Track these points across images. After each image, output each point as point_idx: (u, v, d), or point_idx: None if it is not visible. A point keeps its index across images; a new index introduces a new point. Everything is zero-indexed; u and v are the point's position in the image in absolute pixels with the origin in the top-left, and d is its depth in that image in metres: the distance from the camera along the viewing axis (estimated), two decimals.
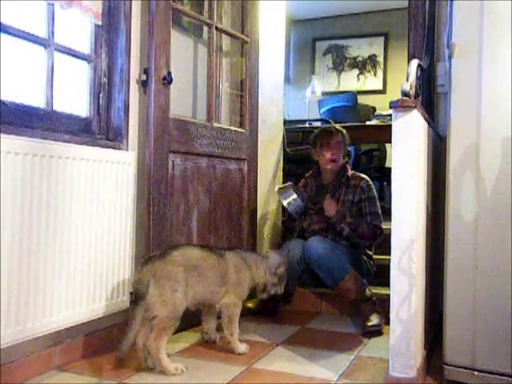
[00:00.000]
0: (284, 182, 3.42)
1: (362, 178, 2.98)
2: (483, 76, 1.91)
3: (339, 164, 3.00)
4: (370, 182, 2.99)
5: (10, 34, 2.00)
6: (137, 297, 2.07)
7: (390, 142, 1.90)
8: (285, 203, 2.92)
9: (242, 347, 2.33)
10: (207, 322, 2.45)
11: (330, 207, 2.87)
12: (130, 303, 2.35)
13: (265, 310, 2.97)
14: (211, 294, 2.27)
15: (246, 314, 2.83)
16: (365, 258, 2.91)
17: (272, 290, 2.49)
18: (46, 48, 2.16)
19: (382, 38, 6.96)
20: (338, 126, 3.29)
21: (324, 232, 2.93)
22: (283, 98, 4.04)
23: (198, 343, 2.47)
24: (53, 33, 2.17)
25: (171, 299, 2.07)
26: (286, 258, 2.60)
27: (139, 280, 2.08)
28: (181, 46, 2.86)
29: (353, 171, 3.05)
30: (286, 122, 4.33)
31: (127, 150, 2.43)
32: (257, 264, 2.44)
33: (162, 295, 2.06)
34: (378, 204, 2.94)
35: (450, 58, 1.99)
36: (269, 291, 2.49)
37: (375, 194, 2.97)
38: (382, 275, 2.68)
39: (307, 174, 3.20)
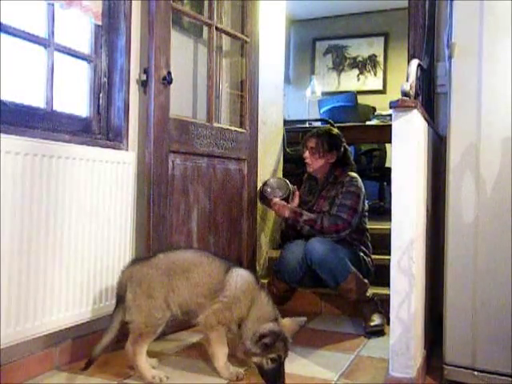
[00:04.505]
0: None
1: (348, 175, 2.92)
2: (483, 76, 1.91)
3: (314, 167, 2.99)
4: (356, 178, 2.90)
5: (10, 34, 2.00)
6: (117, 300, 2.04)
7: (390, 142, 1.90)
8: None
9: (227, 372, 2.00)
10: None
11: (281, 210, 2.92)
12: None
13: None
14: (197, 305, 2.02)
15: None
16: (364, 256, 2.91)
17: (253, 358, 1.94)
18: (46, 48, 2.16)
19: (382, 38, 6.95)
20: (324, 128, 3.23)
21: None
22: (283, 98, 4.05)
23: (197, 343, 2.47)
24: (53, 33, 2.17)
25: (146, 305, 1.97)
26: (278, 327, 1.94)
27: (119, 283, 2.05)
28: (181, 46, 2.86)
29: (345, 171, 2.96)
30: (285, 122, 4.32)
31: (127, 149, 2.43)
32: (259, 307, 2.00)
33: (135, 300, 1.98)
34: (356, 199, 2.81)
35: (449, 58, 1.99)
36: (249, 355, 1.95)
37: (355, 189, 2.84)
38: (382, 275, 2.67)
39: (305, 175, 3.21)
